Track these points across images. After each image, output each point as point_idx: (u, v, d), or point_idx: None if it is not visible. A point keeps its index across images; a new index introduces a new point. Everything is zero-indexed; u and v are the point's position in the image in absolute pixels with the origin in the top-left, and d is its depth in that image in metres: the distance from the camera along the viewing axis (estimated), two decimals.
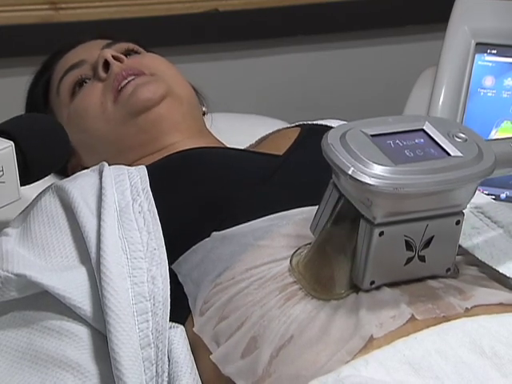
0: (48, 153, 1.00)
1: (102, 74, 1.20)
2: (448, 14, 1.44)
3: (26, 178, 0.97)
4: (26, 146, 0.95)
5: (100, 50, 1.23)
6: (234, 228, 0.94)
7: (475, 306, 0.81)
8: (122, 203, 0.97)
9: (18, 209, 1.04)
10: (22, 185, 0.95)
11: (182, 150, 1.11)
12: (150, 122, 1.17)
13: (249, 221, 0.94)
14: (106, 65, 1.20)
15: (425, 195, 0.77)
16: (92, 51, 1.25)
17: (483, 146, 0.79)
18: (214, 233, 0.95)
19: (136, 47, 1.27)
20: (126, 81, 1.17)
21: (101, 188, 0.99)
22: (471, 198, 0.80)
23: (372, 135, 0.78)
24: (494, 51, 1.41)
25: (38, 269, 0.92)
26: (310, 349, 0.79)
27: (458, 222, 0.81)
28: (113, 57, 1.20)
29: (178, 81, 1.23)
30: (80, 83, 1.22)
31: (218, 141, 1.25)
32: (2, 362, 0.91)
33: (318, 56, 1.98)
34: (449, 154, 0.78)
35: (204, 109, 1.32)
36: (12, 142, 0.93)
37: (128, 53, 1.25)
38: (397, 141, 0.79)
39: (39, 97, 1.29)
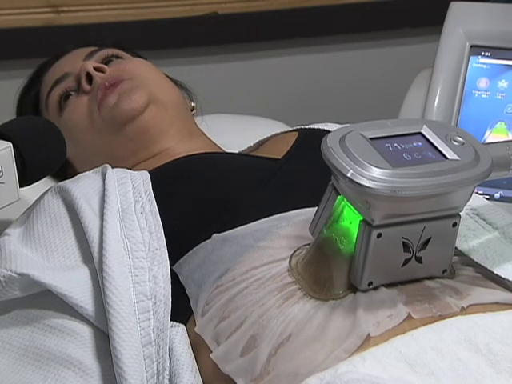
0: (45, 153, 1.01)
1: (85, 87, 1.20)
2: (443, 17, 1.44)
3: (25, 179, 0.98)
4: (24, 147, 0.96)
5: (82, 62, 1.24)
6: (234, 230, 0.95)
7: (471, 305, 0.82)
8: (125, 204, 0.97)
9: (17, 210, 1.05)
10: (20, 186, 0.96)
11: (184, 157, 1.11)
12: (136, 131, 1.17)
13: (249, 223, 0.95)
14: (89, 77, 1.20)
15: (422, 198, 0.77)
16: (75, 63, 1.25)
17: (480, 150, 0.80)
18: (215, 235, 0.95)
19: (118, 52, 1.27)
20: (110, 91, 1.17)
21: (103, 190, 0.99)
22: (468, 200, 0.81)
23: (371, 138, 0.79)
24: (488, 53, 1.41)
25: (41, 268, 0.93)
26: (308, 347, 0.79)
27: (454, 224, 0.82)
28: (94, 68, 1.20)
29: (161, 85, 1.23)
30: (66, 96, 1.23)
31: (210, 140, 1.25)
32: (5, 359, 0.92)
33: (315, 58, 1.98)
34: (446, 158, 0.78)
35: (193, 104, 1.31)
36: (10, 143, 0.93)
37: (109, 60, 1.25)
38: (395, 144, 0.79)
39: (30, 111, 1.30)
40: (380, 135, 0.80)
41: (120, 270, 0.90)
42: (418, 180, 0.75)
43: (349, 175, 0.75)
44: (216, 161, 1.12)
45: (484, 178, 0.78)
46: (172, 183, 1.04)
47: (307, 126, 1.27)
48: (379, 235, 0.79)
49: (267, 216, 0.95)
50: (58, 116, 1.23)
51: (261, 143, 1.29)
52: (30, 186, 1.01)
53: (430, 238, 0.82)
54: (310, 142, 1.16)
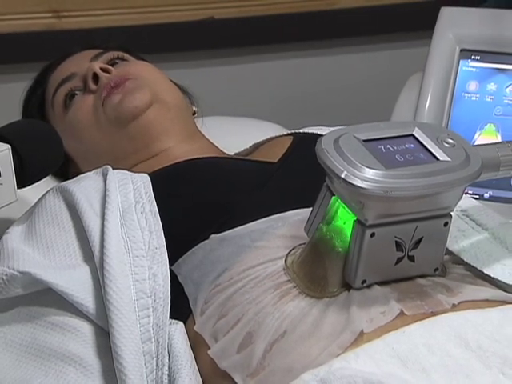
0: (43, 155, 1.02)
1: (92, 86, 1.22)
2: (434, 22, 1.45)
3: (23, 180, 0.99)
4: (22, 150, 0.98)
5: (88, 62, 1.25)
6: (232, 230, 0.96)
7: (462, 302, 0.83)
8: (125, 205, 0.98)
9: (18, 210, 1.06)
10: (18, 187, 0.97)
11: (183, 161, 1.12)
12: (138, 129, 1.18)
13: (246, 223, 0.96)
14: (96, 77, 1.21)
15: (414, 198, 0.78)
16: (81, 64, 1.26)
17: (470, 151, 0.81)
18: (213, 235, 0.96)
19: (124, 55, 1.29)
20: (115, 90, 1.19)
21: (105, 190, 1.00)
22: (459, 200, 0.82)
23: (364, 140, 0.80)
24: (478, 57, 1.42)
25: (43, 267, 0.93)
26: (303, 343, 0.81)
27: (446, 224, 0.83)
28: (101, 69, 1.22)
29: (165, 86, 1.25)
30: (71, 95, 1.24)
31: (210, 142, 1.26)
32: (7, 355, 0.92)
33: (310, 62, 1.98)
34: (437, 159, 0.79)
35: (194, 108, 1.33)
36: (9, 145, 0.95)
37: (115, 62, 1.27)
38: (388, 146, 0.80)
39: (35, 110, 1.31)
40: (373, 137, 0.81)
41: (120, 268, 0.91)
42: (410, 181, 0.76)
43: (343, 176, 0.76)
44: (215, 165, 1.13)
45: (474, 178, 0.79)
46: (172, 186, 1.05)
47: (301, 130, 1.28)
48: (372, 234, 0.80)
49: (264, 217, 0.96)
50: (63, 114, 1.25)
51: (256, 146, 1.30)
52: (29, 187, 1.03)
53: (421, 238, 0.83)
54: (304, 145, 1.17)
